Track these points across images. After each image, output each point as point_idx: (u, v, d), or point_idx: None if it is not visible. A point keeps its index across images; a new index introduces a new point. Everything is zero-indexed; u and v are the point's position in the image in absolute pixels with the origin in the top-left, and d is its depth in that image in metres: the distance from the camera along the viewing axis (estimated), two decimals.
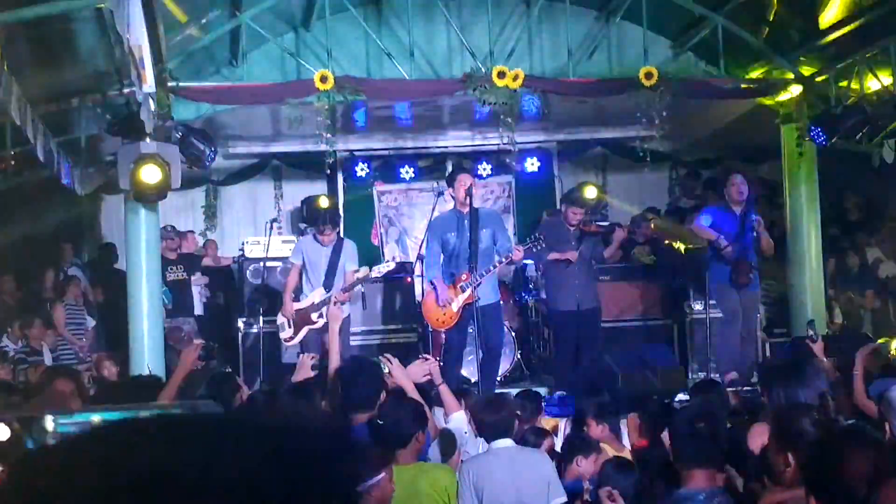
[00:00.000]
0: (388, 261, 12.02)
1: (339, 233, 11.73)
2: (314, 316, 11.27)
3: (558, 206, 16.12)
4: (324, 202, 15.19)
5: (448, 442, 6.69)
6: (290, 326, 11.39)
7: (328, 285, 11.32)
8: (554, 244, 11.80)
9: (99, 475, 1.20)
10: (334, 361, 7.49)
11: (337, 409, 6.62)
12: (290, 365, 10.29)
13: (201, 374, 8.76)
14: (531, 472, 5.92)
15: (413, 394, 6.57)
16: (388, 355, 7.18)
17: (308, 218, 13.08)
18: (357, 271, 11.41)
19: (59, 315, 13.54)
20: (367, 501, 4.90)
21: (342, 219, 15.99)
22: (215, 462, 1.22)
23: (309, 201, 15.98)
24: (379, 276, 11.84)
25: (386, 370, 6.82)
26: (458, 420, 6.74)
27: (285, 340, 11.55)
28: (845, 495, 3.41)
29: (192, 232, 15.80)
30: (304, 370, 7.73)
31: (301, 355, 7.98)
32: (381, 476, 4.99)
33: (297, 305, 11.39)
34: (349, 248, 11.62)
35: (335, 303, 10.90)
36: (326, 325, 11.13)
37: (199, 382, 8.51)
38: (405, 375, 6.83)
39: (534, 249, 10.98)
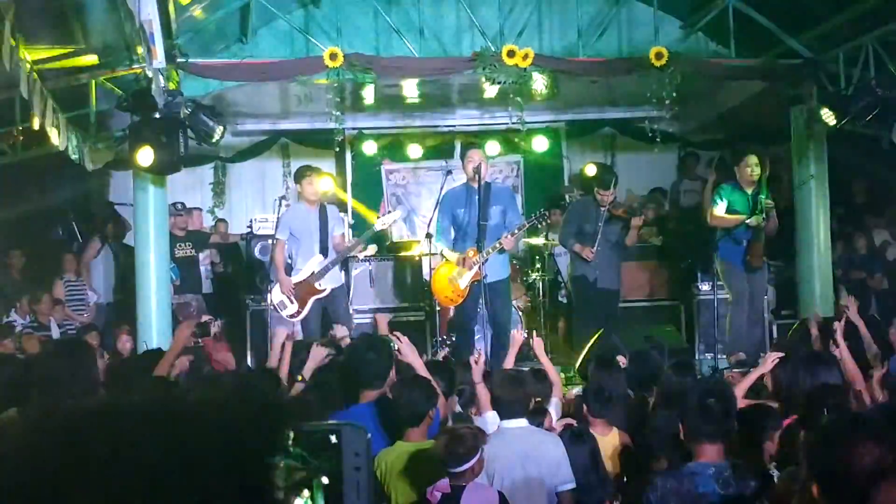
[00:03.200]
0: (389, 210, 11.87)
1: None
2: (317, 285, 11.21)
3: (567, 184, 16.20)
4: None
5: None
6: (292, 302, 11.29)
7: (324, 250, 11.27)
8: (582, 223, 11.96)
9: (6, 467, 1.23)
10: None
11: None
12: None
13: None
14: (541, 455, 5.90)
15: (422, 371, 6.57)
16: (398, 333, 7.18)
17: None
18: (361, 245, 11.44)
19: (59, 290, 13.58)
20: (466, 477, 5.16)
21: (349, 193, 16.11)
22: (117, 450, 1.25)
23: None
24: (385, 227, 11.88)
25: (395, 347, 6.82)
26: (492, 419, 6.65)
27: (290, 317, 11.35)
28: (847, 485, 3.40)
29: (199, 209, 15.80)
30: (316, 362, 7.61)
31: (313, 346, 7.92)
32: (478, 456, 5.22)
33: (295, 279, 11.30)
34: (334, 211, 11.66)
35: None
36: (330, 292, 11.19)
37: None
38: (414, 353, 6.83)
39: (538, 224, 11.02)
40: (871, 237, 14.99)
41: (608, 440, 6.74)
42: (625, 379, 7.75)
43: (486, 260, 10.49)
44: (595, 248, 11.82)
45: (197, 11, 11.24)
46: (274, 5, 11.74)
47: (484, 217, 10.56)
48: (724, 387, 5.08)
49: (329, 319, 11.09)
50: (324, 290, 11.21)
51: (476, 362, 6.96)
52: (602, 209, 11.92)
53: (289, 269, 11.45)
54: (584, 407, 6.92)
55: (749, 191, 11.66)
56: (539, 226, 11.23)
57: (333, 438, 1.75)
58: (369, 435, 1.78)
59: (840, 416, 4.40)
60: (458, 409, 7.06)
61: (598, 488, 6.08)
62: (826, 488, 3.45)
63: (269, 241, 12.57)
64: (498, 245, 10.54)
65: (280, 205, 12.25)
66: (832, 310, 12.38)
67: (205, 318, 9.19)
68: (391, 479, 5.61)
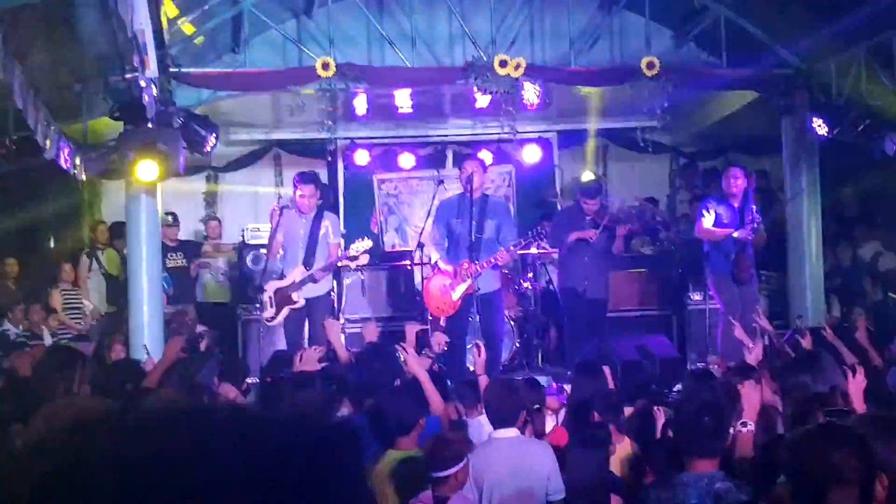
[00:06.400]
0: (362, 238, 11.28)
1: (320, 204, 11.32)
2: (294, 295, 10.88)
3: (558, 193, 16.21)
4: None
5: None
6: (271, 306, 11.00)
7: (308, 262, 10.94)
8: (569, 232, 11.87)
9: (96, 467, 1.20)
10: (342, 356, 7.55)
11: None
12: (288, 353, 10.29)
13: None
14: (532, 465, 5.88)
15: (426, 383, 6.55)
16: (404, 344, 7.18)
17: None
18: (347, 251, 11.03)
19: (56, 299, 13.57)
20: (449, 485, 5.17)
21: (340, 203, 16.04)
22: (214, 455, 1.21)
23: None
24: (357, 254, 10.90)
25: (401, 359, 6.81)
26: (486, 421, 6.63)
27: (267, 320, 11.12)
28: (818, 491, 3.43)
29: (217, 219, 15.83)
30: (310, 364, 7.47)
31: (304, 349, 7.91)
32: (462, 464, 5.25)
33: (278, 284, 11.02)
34: (332, 220, 11.30)
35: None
36: (306, 304, 10.95)
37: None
38: (419, 364, 6.82)
39: (534, 242, 11.01)
40: (856, 248, 15.00)
41: (621, 448, 6.75)
42: (606, 383, 7.76)
43: (480, 273, 10.48)
44: (584, 258, 11.79)
45: (185, 25, 11.23)
46: (266, 15, 11.77)
47: (479, 230, 10.55)
48: (719, 403, 5.07)
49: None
50: (298, 302, 10.90)
51: (479, 354, 7.03)
52: (588, 218, 11.91)
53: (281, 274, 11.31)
54: (595, 414, 6.89)
55: (735, 203, 11.65)
56: (535, 242, 11.21)
57: None
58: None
59: (827, 423, 4.42)
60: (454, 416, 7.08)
61: (597, 494, 6.04)
62: (797, 492, 3.48)
63: (261, 251, 12.53)
64: (493, 261, 10.52)
65: (281, 214, 12.11)
66: (823, 320, 12.40)
67: (199, 328, 9.19)
68: (379, 486, 5.61)
